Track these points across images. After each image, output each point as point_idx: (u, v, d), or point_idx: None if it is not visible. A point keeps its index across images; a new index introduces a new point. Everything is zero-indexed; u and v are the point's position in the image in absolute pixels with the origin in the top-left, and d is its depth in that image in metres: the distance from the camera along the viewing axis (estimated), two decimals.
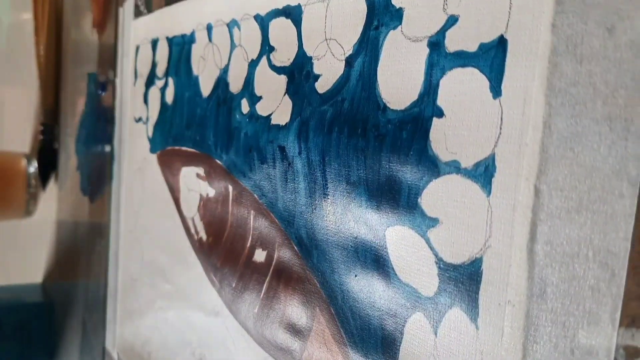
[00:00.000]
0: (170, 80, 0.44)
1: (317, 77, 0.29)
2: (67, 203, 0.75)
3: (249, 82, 0.34)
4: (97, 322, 0.60)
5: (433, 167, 0.22)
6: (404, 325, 0.24)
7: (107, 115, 0.58)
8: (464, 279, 0.21)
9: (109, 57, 0.58)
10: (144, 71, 0.49)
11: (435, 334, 0.22)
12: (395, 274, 0.24)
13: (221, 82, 0.37)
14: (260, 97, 0.33)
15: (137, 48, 0.50)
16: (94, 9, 0.66)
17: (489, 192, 0.20)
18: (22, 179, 0.80)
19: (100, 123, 0.61)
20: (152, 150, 0.47)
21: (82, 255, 0.67)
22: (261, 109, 0.33)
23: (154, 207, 0.47)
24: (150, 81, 0.48)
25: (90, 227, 0.64)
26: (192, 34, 0.41)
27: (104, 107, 0.60)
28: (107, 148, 0.58)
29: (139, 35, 0.50)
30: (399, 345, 0.24)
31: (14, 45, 0.99)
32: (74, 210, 0.71)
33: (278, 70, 0.32)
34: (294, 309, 0.30)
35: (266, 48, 0.33)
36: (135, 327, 0.51)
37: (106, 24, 0.60)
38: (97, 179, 0.61)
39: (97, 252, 0.60)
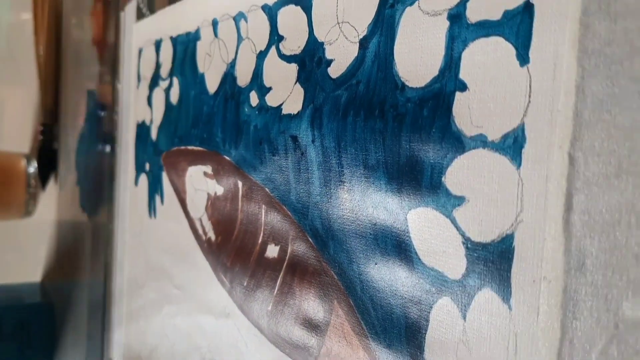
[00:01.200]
0: (175, 80, 0.43)
1: (329, 62, 0.28)
2: (67, 211, 0.74)
3: (257, 74, 0.33)
4: (100, 328, 0.59)
5: (457, 143, 0.21)
6: (429, 312, 0.23)
7: (105, 138, 0.58)
8: (494, 258, 0.20)
9: (110, 61, 0.58)
10: (148, 73, 0.48)
11: (464, 318, 0.21)
12: (419, 259, 0.23)
13: (228, 77, 0.36)
14: (270, 88, 0.32)
15: (140, 51, 0.50)
16: (94, 27, 0.65)
17: (519, 165, 0.19)
18: (22, 179, 0.79)
19: (99, 144, 0.60)
20: (157, 153, 0.46)
21: (83, 257, 0.65)
22: (271, 100, 0.32)
23: (159, 209, 0.46)
24: (154, 83, 0.47)
25: (92, 230, 0.63)
26: (197, 31, 0.40)
27: (103, 130, 0.59)
28: (105, 168, 0.57)
29: (142, 38, 0.49)
30: (425, 333, 0.23)
31: (14, 45, 0.99)
32: (73, 222, 0.70)
33: (288, 59, 0.31)
34: (310, 304, 0.29)
35: (275, 38, 0.32)
36: (141, 335, 0.50)
37: (107, 42, 0.60)
38: (95, 198, 0.61)
39: (100, 256, 0.59)
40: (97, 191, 0.60)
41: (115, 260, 0.55)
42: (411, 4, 0.24)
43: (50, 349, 0.73)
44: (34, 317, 0.72)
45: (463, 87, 0.21)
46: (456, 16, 0.22)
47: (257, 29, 0.34)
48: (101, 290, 0.58)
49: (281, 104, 0.31)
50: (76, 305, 0.67)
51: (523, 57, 0.19)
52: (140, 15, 0.49)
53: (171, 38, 0.44)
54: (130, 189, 0.52)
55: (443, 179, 0.22)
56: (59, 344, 0.72)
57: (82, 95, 0.67)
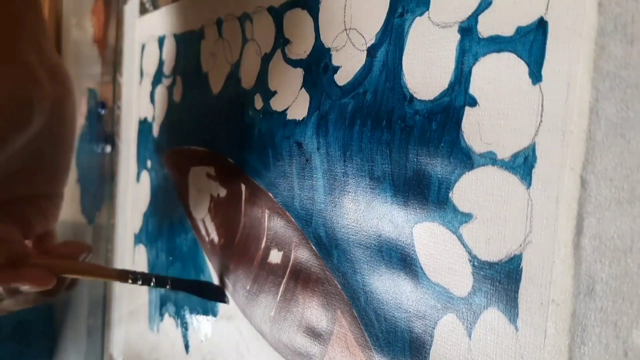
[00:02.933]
0: (178, 78, 0.43)
1: (336, 69, 0.27)
2: (67, 211, 0.73)
3: (262, 76, 0.33)
4: (100, 327, 0.59)
5: (466, 159, 0.21)
6: (434, 328, 0.22)
7: (105, 136, 0.57)
8: (502, 278, 0.20)
9: (111, 59, 0.57)
10: (151, 70, 0.48)
11: (470, 336, 0.21)
12: (424, 274, 0.23)
13: (232, 78, 0.36)
14: (275, 92, 0.32)
15: (143, 46, 0.49)
16: (95, 25, 0.64)
17: (529, 184, 0.19)
18: None
19: (99, 143, 0.60)
20: (159, 151, 0.46)
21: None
22: (276, 104, 0.32)
23: (161, 209, 0.46)
24: (156, 80, 0.46)
25: (93, 229, 0.62)
26: (201, 29, 0.40)
27: (103, 128, 0.59)
28: (105, 168, 0.56)
29: (145, 33, 0.49)
30: (429, 349, 0.23)
31: None
32: (73, 222, 0.69)
33: (294, 63, 0.30)
34: (314, 312, 0.29)
35: (280, 41, 0.32)
36: (142, 333, 0.50)
37: (108, 40, 0.59)
38: (96, 196, 0.60)
39: (100, 254, 0.59)
40: (98, 188, 0.60)
41: (116, 257, 0.55)
42: (421, 14, 0.23)
43: (50, 348, 0.73)
44: (34, 316, 0.72)
45: (473, 102, 0.21)
46: (467, 29, 0.21)
47: (263, 31, 0.33)
48: (101, 288, 0.58)
49: (286, 109, 0.31)
50: (76, 304, 0.67)
51: (535, 75, 0.19)
52: (143, 10, 0.49)
53: (174, 35, 0.43)
54: (131, 185, 0.51)
55: (450, 194, 0.22)
56: (59, 343, 0.72)
57: (83, 95, 0.67)
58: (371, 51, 0.25)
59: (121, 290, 0.54)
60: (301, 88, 0.30)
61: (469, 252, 0.21)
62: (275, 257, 0.32)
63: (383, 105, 0.25)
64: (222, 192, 0.37)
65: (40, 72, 0.35)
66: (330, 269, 0.28)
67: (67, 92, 0.36)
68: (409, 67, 0.24)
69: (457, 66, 0.22)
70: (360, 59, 0.26)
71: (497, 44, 0.20)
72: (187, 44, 0.42)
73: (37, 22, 0.36)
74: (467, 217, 0.21)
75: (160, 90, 0.46)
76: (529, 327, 0.19)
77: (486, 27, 0.20)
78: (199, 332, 0.40)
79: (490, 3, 0.20)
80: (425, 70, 0.23)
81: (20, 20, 0.35)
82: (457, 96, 0.21)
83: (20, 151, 0.32)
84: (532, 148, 0.19)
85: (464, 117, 0.21)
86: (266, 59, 0.33)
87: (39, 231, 0.36)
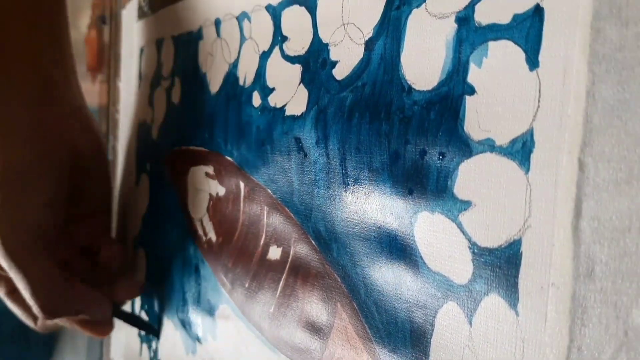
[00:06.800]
0: (177, 80, 0.43)
1: (334, 63, 0.28)
2: None
3: (260, 74, 0.33)
4: None
5: (465, 147, 0.21)
6: (434, 317, 0.22)
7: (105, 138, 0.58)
8: (502, 263, 0.20)
9: (109, 62, 0.57)
10: (149, 73, 0.48)
11: (470, 323, 0.21)
12: (424, 263, 0.23)
13: (230, 77, 0.36)
14: (273, 89, 0.32)
15: (142, 50, 0.50)
16: (88, 54, 0.65)
17: (527, 169, 0.19)
18: None
19: None
20: (158, 153, 0.46)
21: None
22: (274, 101, 0.32)
23: (160, 209, 0.46)
24: (155, 82, 0.47)
25: None
26: (200, 30, 0.40)
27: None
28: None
29: (143, 37, 0.49)
30: (430, 338, 0.23)
31: None
32: None
33: (292, 59, 0.31)
34: (313, 306, 0.29)
35: (278, 38, 0.32)
36: (142, 334, 0.50)
37: (101, 68, 0.60)
38: None
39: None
40: None
41: None
42: (418, 5, 0.23)
43: (50, 349, 0.73)
44: None
45: (471, 90, 0.21)
46: (464, 19, 0.21)
47: (261, 29, 0.33)
48: None
49: (284, 105, 0.31)
50: None
51: (532, 61, 0.19)
52: (141, 14, 0.49)
53: (173, 37, 0.44)
54: (130, 188, 0.51)
55: (449, 183, 0.22)
56: (59, 344, 0.72)
57: (82, 79, 0.67)
58: (369, 44, 0.26)
59: None
60: (299, 84, 0.30)
61: (469, 240, 0.21)
62: (274, 253, 0.32)
63: (381, 97, 0.25)
64: (221, 191, 0.37)
65: (93, 120, 0.44)
66: (330, 262, 0.28)
67: (99, 138, 0.45)
68: (407, 58, 0.24)
69: (455, 55, 0.22)
70: (359, 52, 0.26)
71: (495, 32, 0.20)
72: (186, 45, 0.42)
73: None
74: (466, 204, 0.21)
75: (159, 93, 0.46)
76: (530, 312, 0.19)
77: (483, 15, 0.21)
78: (198, 333, 0.40)
79: None
80: (423, 61, 0.23)
81: (72, 63, 0.40)
82: (455, 85, 0.22)
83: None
84: (530, 133, 0.19)
85: (462, 106, 0.21)
86: (264, 57, 0.33)
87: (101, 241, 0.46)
